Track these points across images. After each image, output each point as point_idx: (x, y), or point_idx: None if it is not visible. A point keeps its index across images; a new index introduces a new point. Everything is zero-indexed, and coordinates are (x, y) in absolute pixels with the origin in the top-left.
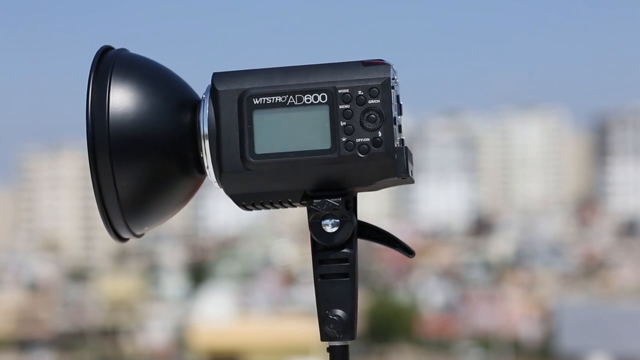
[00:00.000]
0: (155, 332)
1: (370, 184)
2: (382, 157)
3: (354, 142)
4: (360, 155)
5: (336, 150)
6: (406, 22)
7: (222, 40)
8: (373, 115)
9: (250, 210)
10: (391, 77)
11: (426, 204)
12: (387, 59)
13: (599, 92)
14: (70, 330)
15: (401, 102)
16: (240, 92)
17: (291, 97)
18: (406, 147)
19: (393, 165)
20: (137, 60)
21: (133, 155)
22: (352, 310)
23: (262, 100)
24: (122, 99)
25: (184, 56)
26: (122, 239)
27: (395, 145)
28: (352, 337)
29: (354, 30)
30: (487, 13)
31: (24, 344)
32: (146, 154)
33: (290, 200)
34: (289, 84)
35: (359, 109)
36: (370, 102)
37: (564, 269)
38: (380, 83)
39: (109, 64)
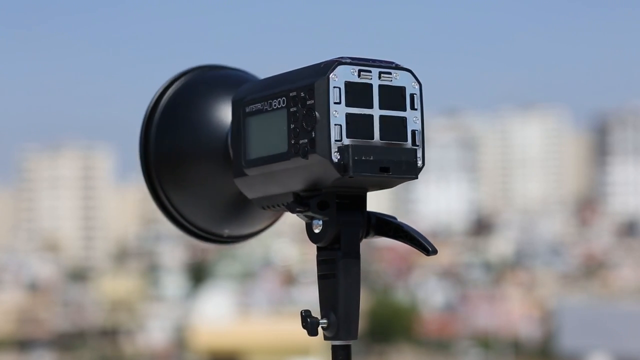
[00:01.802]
0: (155, 332)
1: (327, 185)
2: (316, 158)
3: (298, 144)
4: (301, 157)
5: (289, 154)
6: (406, 22)
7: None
8: (310, 116)
9: (272, 210)
10: (329, 76)
11: (426, 204)
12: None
13: (599, 92)
14: (70, 330)
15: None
16: (237, 100)
17: (267, 102)
18: (357, 146)
19: (331, 166)
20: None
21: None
22: (343, 310)
23: (251, 107)
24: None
25: (184, 56)
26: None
27: (333, 146)
28: (346, 338)
29: (353, 30)
30: (487, 13)
31: (24, 344)
32: (198, 160)
33: (286, 202)
34: (271, 90)
35: (301, 111)
36: (308, 102)
37: (564, 269)
38: (314, 82)
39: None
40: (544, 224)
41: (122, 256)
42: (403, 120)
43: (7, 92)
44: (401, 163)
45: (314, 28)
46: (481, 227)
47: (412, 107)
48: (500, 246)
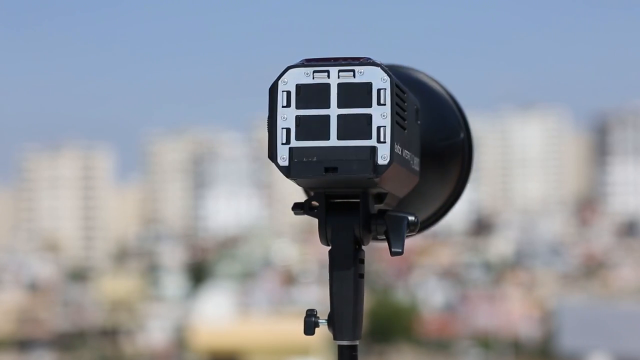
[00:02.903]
0: (155, 332)
1: (309, 186)
2: (274, 160)
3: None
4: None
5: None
6: (405, 22)
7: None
8: (269, 122)
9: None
10: (277, 81)
11: None
12: (379, 58)
13: (599, 92)
14: (70, 330)
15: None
16: None
17: None
18: (300, 148)
19: (281, 169)
20: None
21: None
22: (334, 311)
23: None
24: None
25: (184, 55)
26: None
27: (279, 149)
28: (340, 338)
29: (353, 30)
30: (487, 13)
31: (24, 344)
32: None
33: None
34: None
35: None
36: (269, 110)
37: (564, 269)
38: (271, 85)
39: None
40: (544, 224)
41: (122, 256)
42: (367, 117)
43: (7, 92)
44: (351, 162)
45: (311, 27)
46: (481, 227)
47: (379, 103)
48: (500, 246)
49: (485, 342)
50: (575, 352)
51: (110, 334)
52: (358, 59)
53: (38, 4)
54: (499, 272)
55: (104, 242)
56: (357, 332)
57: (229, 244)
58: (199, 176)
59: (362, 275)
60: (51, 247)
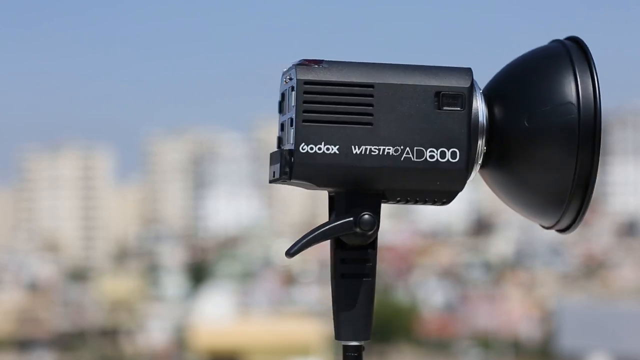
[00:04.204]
0: (155, 332)
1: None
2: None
3: None
4: None
5: None
6: (405, 22)
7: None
8: None
9: None
10: (283, 78)
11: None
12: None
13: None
14: (70, 330)
15: (287, 101)
16: None
17: None
18: (286, 150)
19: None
20: None
21: None
22: (333, 311)
23: None
24: None
25: (184, 56)
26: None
27: (279, 149)
28: (337, 337)
29: (352, 29)
30: (487, 13)
31: (24, 344)
32: None
33: None
34: None
35: None
36: None
37: (564, 269)
38: None
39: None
40: None
41: (122, 256)
42: (290, 120)
43: (7, 92)
44: (276, 167)
45: (310, 26)
46: (481, 227)
47: (292, 105)
48: (500, 246)
49: (485, 342)
50: (575, 352)
51: (110, 334)
52: (309, 62)
53: (38, 4)
54: (499, 272)
55: (104, 242)
56: (341, 332)
57: (229, 244)
58: (199, 176)
59: (343, 275)
60: (51, 247)
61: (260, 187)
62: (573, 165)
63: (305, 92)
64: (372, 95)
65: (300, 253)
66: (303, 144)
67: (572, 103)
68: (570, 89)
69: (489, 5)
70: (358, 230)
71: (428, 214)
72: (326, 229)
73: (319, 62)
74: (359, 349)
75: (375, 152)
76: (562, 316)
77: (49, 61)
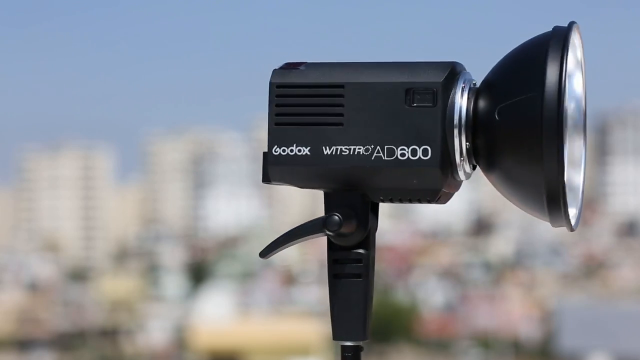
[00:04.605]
0: (155, 332)
1: None
2: None
3: None
4: None
5: None
6: (404, 22)
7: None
8: None
9: None
10: (272, 82)
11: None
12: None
13: (599, 92)
14: (70, 330)
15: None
16: None
17: None
18: (265, 152)
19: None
20: None
21: None
22: (331, 311)
23: None
24: None
25: (184, 55)
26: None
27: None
28: (334, 338)
29: (352, 29)
30: (486, 13)
31: (24, 344)
32: None
33: None
34: None
35: None
36: None
37: (564, 269)
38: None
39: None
40: (544, 224)
41: (122, 256)
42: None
43: (7, 92)
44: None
45: (310, 26)
46: (481, 227)
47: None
48: (500, 246)
49: (485, 342)
50: (575, 352)
51: (110, 334)
52: (290, 65)
53: (38, 4)
54: (499, 272)
55: (104, 242)
56: (336, 332)
57: (229, 244)
58: (199, 176)
59: (336, 276)
60: (51, 247)
61: (260, 187)
62: (541, 162)
63: (277, 95)
64: (342, 96)
65: (301, 253)
66: (275, 146)
67: (535, 95)
68: (537, 79)
69: (487, 5)
70: (326, 230)
71: (428, 214)
72: (295, 230)
73: (299, 64)
74: (355, 349)
75: (346, 152)
76: (562, 316)
77: (49, 61)
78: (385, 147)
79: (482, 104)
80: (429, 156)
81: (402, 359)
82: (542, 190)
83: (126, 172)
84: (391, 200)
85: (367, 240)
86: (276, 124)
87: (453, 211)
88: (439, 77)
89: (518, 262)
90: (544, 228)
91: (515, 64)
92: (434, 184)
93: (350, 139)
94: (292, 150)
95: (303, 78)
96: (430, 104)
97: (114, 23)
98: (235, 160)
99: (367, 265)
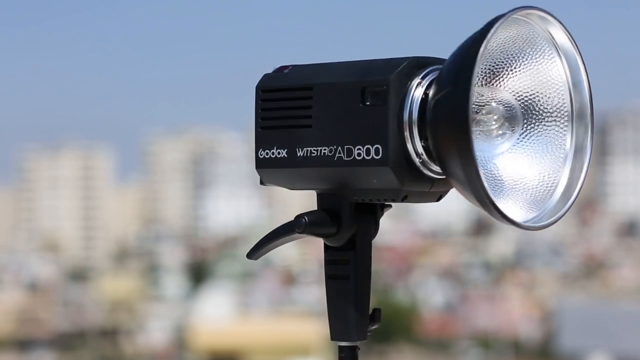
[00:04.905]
0: (155, 332)
1: None
2: None
3: None
4: None
5: None
6: (403, 21)
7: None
8: None
9: None
10: (257, 87)
11: (427, 203)
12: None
13: (599, 92)
14: (70, 330)
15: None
16: None
17: None
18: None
19: None
20: None
21: None
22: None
23: None
24: None
25: (184, 55)
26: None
27: None
28: (331, 338)
29: (348, 29)
30: (486, 13)
31: (24, 344)
32: None
33: None
34: None
35: None
36: None
37: (564, 269)
38: None
39: None
40: None
41: (122, 256)
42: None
43: (7, 92)
44: None
45: (309, 26)
46: (481, 227)
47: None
48: (500, 246)
49: (485, 342)
50: (575, 352)
51: (110, 334)
52: (280, 68)
53: (38, 4)
54: (499, 272)
55: (104, 242)
56: (331, 333)
57: (229, 244)
58: (199, 176)
59: (330, 277)
60: (51, 247)
61: (260, 187)
62: (459, 162)
63: (262, 100)
64: (311, 97)
65: (301, 253)
66: (260, 149)
67: (450, 90)
68: (456, 72)
69: (486, 5)
70: (297, 231)
71: (428, 214)
72: (274, 231)
73: (286, 68)
74: (350, 350)
75: (314, 153)
76: (562, 316)
77: (49, 61)
78: (345, 147)
79: (429, 100)
80: (380, 155)
81: (402, 359)
82: (468, 189)
83: (126, 172)
84: (364, 200)
85: (353, 240)
86: (262, 128)
87: (453, 211)
88: (388, 75)
89: (518, 262)
90: None
91: (450, 58)
92: (392, 184)
93: (317, 140)
94: (273, 153)
95: (282, 81)
96: (380, 103)
97: (114, 23)
98: (235, 160)
99: (354, 266)
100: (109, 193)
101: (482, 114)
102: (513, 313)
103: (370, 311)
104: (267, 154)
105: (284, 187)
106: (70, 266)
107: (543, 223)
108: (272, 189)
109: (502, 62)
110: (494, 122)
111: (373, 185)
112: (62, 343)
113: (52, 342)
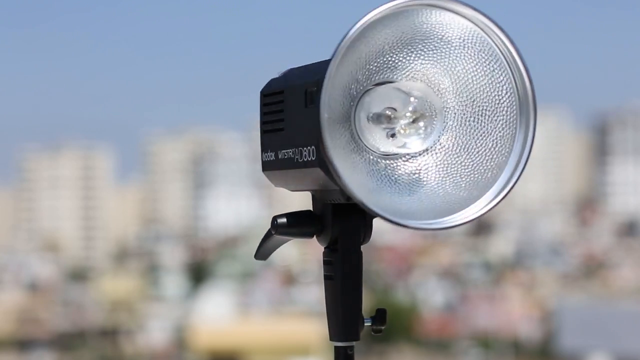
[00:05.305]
0: (155, 332)
1: None
2: None
3: None
4: None
5: None
6: None
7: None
8: None
9: None
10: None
11: None
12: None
13: (599, 92)
14: (70, 330)
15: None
16: None
17: None
18: None
19: None
20: None
21: None
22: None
23: None
24: None
25: (184, 55)
26: None
27: None
28: (330, 339)
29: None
30: (485, 12)
31: (24, 344)
32: None
33: None
34: None
35: None
36: None
37: (564, 269)
38: None
39: None
40: (544, 224)
41: (122, 256)
42: None
43: (7, 92)
44: None
45: (309, 26)
46: (481, 227)
47: None
48: (500, 246)
49: (485, 342)
50: (575, 352)
51: (110, 334)
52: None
53: (38, 4)
54: (499, 272)
55: (104, 242)
56: (329, 333)
57: (229, 244)
58: (199, 176)
59: (327, 277)
60: (51, 247)
61: (260, 187)
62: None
63: (264, 104)
64: (282, 101)
65: (301, 253)
66: (263, 153)
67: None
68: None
69: (486, 5)
70: (272, 231)
71: None
72: (267, 232)
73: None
74: (343, 350)
75: (285, 155)
76: (562, 316)
77: (49, 61)
78: (298, 149)
79: None
80: (314, 157)
81: (402, 359)
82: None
83: (126, 172)
84: (339, 201)
85: (335, 242)
86: (264, 132)
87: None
88: (319, 76)
89: (518, 262)
90: (544, 228)
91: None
92: (332, 184)
93: (287, 143)
94: (268, 156)
95: (275, 86)
96: (312, 104)
97: (114, 23)
98: (235, 160)
99: (338, 266)
100: (109, 193)
101: (382, 111)
102: (513, 313)
103: (374, 312)
104: (265, 157)
105: (284, 188)
106: (70, 266)
107: (442, 226)
108: (272, 189)
109: (392, 56)
110: (400, 120)
111: (323, 186)
112: (62, 343)
113: (52, 342)
